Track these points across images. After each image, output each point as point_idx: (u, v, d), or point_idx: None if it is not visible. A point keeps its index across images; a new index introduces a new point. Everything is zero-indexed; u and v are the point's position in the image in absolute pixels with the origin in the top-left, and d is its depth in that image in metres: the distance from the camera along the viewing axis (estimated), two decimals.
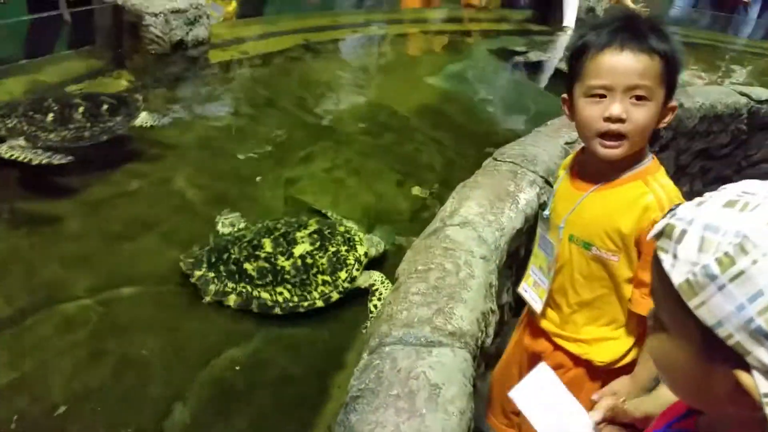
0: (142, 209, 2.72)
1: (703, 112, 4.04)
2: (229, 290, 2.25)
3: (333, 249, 2.43)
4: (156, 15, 3.49)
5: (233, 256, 2.33)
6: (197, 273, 2.27)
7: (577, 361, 1.87)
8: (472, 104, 4.57)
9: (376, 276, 2.47)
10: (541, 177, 2.65)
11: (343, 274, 2.38)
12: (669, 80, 1.49)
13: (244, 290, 2.26)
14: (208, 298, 2.24)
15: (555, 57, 5.70)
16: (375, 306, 2.35)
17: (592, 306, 1.80)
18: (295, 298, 2.28)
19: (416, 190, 3.25)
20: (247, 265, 2.31)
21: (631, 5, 7.34)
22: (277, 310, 2.25)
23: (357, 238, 2.55)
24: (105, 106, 2.93)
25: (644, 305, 1.63)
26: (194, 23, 3.74)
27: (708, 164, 4.39)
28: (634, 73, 1.47)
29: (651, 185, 1.60)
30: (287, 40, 4.80)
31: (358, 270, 2.43)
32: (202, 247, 2.41)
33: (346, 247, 2.47)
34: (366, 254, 2.51)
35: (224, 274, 2.28)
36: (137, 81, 3.64)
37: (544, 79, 5.41)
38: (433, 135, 3.90)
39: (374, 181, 3.27)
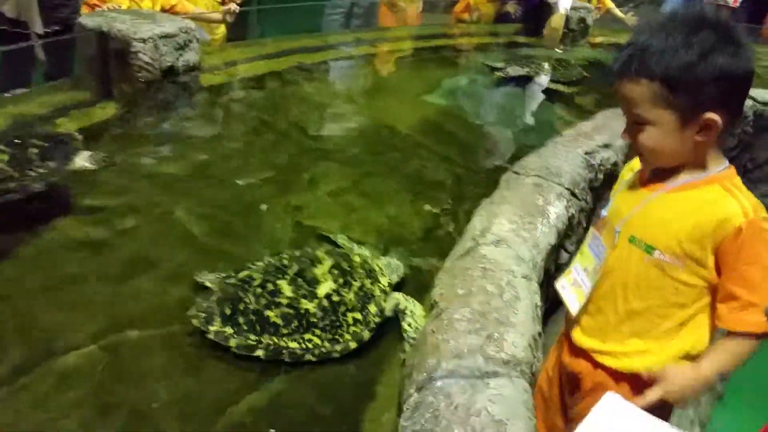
0: (144, 247, 2.53)
1: None
2: (253, 343, 2.02)
3: (358, 284, 2.24)
4: (144, 41, 3.31)
5: (251, 307, 2.10)
6: (212, 329, 2.04)
7: (619, 377, 1.74)
8: (472, 119, 4.45)
9: (398, 297, 2.30)
10: (567, 189, 2.53)
11: (372, 308, 2.19)
12: (675, 99, 1.46)
13: (271, 342, 2.03)
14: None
15: (537, 71, 5.47)
16: (409, 325, 2.17)
17: (643, 316, 1.68)
18: (327, 344, 2.06)
19: (428, 209, 3.09)
20: (269, 313, 2.08)
21: (620, 15, 7.33)
22: (310, 357, 2.03)
23: (377, 268, 2.38)
24: (34, 151, 2.62)
25: (733, 321, 1.51)
26: (184, 48, 3.57)
27: None
28: (628, 102, 1.54)
29: (732, 191, 1.51)
30: (280, 62, 4.64)
31: (385, 301, 2.25)
32: (207, 296, 2.17)
33: (369, 280, 2.28)
34: (389, 284, 2.34)
35: (245, 327, 2.05)
36: (126, 110, 3.46)
37: (531, 94, 5.23)
38: (438, 151, 3.76)
39: (384, 202, 3.11)
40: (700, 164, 1.56)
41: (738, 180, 1.57)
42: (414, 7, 6.67)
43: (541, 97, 5.13)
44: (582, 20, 6.62)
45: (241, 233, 2.72)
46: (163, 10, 4.35)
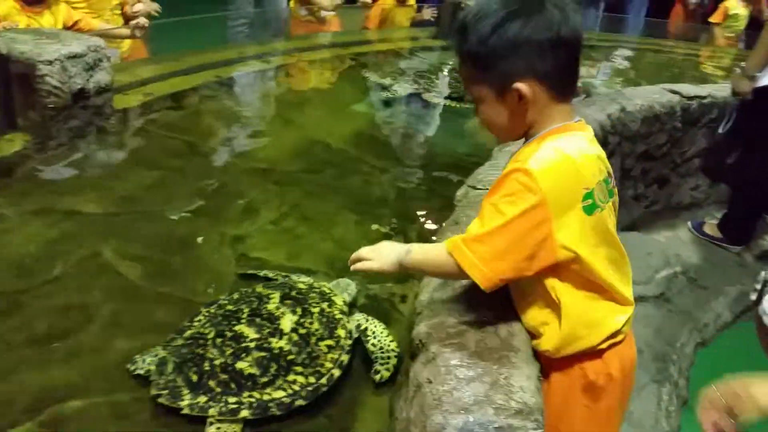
0: (72, 298, 2.25)
1: (644, 114, 3.98)
2: (234, 406, 1.78)
3: (316, 310, 2.09)
4: (51, 62, 2.98)
5: (217, 362, 1.86)
6: (184, 403, 1.77)
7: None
8: (405, 128, 4.30)
9: (358, 317, 2.18)
10: None
11: (341, 331, 2.05)
12: (483, 73, 1.48)
13: (252, 398, 1.80)
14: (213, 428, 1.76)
15: (428, 87, 5.06)
16: (374, 345, 2.07)
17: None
18: (312, 379, 1.88)
19: (375, 228, 2.93)
20: (240, 365, 1.85)
21: None
22: (300, 402, 1.83)
23: (327, 290, 2.24)
24: None
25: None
26: (94, 68, 3.25)
27: (648, 165, 4.33)
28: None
29: (535, 146, 1.47)
30: (196, 77, 4.36)
31: (348, 322, 2.12)
32: (161, 369, 1.89)
33: (326, 303, 2.14)
34: (345, 302, 2.22)
35: (218, 390, 1.80)
36: (34, 141, 3.12)
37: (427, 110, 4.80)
38: (376, 164, 3.60)
39: (329, 226, 2.92)
40: (538, 130, 1.51)
41: (564, 134, 1.47)
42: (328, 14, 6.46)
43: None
44: None
45: (179, 273, 2.47)
46: (66, 28, 4.00)
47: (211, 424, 1.75)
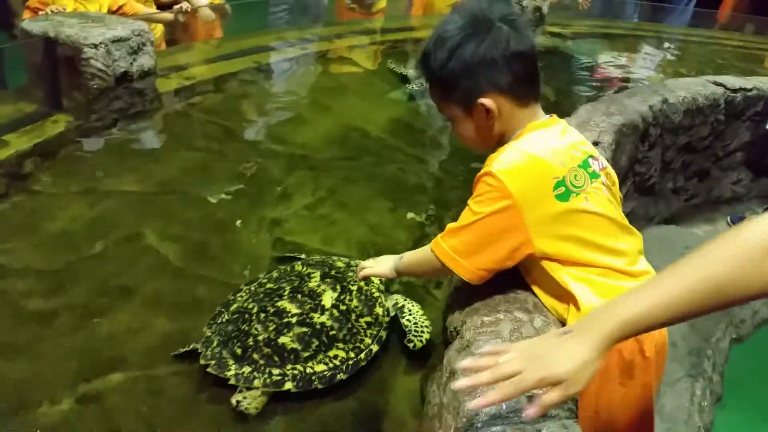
0: (113, 276, 2.31)
1: (686, 106, 3.89)
2: (278, 378, 1.84)
3: (355, 288, 2.14)
4: (96, 46, 3.04)
5: (260, 336, 1.91)
6: (230, 373, 1.84)
7: None
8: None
9: (395, 296, 2.27)
10: None
11: (379, 309, 2.11)
12: (450, 94, 1.59)
13: (296, 371, 1.86)
14: (251, 408, 1.82)
15: None
16: (409, 321, 2.14)
17: None
18: (352, 354, 1.95)
19: (411, 216, 2.94)
20: (283, 339, 1.91)
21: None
22: (341, 376, 1.90)
23: None
24: None
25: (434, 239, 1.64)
26: (138, 52, 3.30)
27: (689, 158, 4.25)
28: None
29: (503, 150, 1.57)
30: (235, 63, 4.40)
31: (386, 300, 2.18)
32: (208, 343, 1.96)
33: (363, 282, 2.19)
34: (381, 282, 2.28)
35: (261, 362, 1.86)
36: (78, 122, 3.18)
37: None
38: (413, 153, 3.60)
39: (364, 212, 2.94)
40: (509, 136, 1.62)
41: (529, 133, 1.59)
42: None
43: None
44: (537, 9, 6.52)
45: (217, 255, 2.52)
46: (111, 12, 4.07)
47: (240, 390, 1.81)
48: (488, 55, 1.51)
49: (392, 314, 2.17)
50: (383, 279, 2.31)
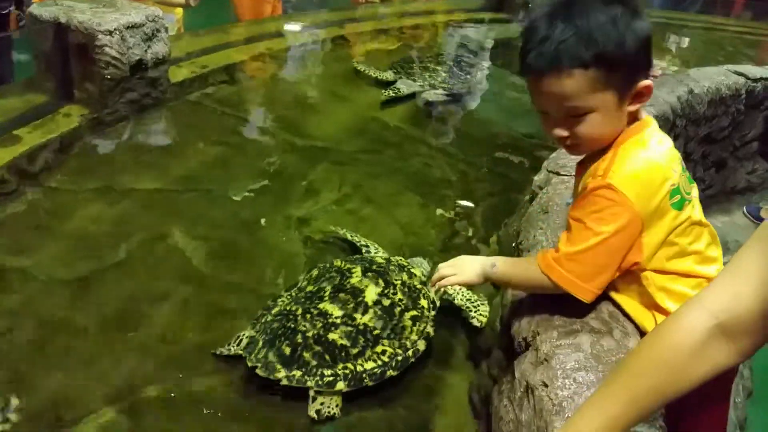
0: (141, 283, 2.21)
1: (711, 96, 3.83)
2: (330, 378, 1.78)
3: (398, 281, 2.06)
4: (110, 33, 2.89)
5: (309, 334, 1.84)
6: (280, 375, 1.77)
7: None
8: (461, 106, 4.17)
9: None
10: None
11: (424, 302, 2.04)
12: (613, 78, 1.36)
13: (347, 370, 1.81)
14: (333, 410, 1.78)
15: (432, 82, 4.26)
16: (462, 299, 2.18)
17: None
18: (400, 351, 1.89)
19: (440, 213, 2.85)
20: (332, 336, 1.84)
21: None
22: (391, 372, 1.85)
23: (405, 263, 2.23)
24: None
25: (540, 254, 1.52)
26: (152, 39, 3.15)
27: (708, 149, 4.19)
28: (560, 98, 1.39)
29: (609, 158, 1.44)
30: (246, 50, 4.26)
31: (429, 292, 2.10)
32: (247, 344, 1.90)
33: (406, 275, 2.11)
34: (423, 274, 2.22)
35: (313, 363, 1.80)
36: (91, 115, 3.04)
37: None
38: (435, 144, 3.51)
39: (392, 208, 2.86)
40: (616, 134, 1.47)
41: (632, 140, 1.44)
42: None
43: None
44: None
45: (247, 257, 2.43)
46: None
47: (314, 399, 1.77)
48: (648, 29, 1.38)
49: (438, 305, 2.09)
50: (426, 269, 2.30)
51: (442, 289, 2.10)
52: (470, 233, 2.74)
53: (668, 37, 6.69)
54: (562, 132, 1.45)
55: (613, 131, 1.45)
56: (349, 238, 2.48)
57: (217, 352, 1.92)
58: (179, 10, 4.47)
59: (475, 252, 2.61)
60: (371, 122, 3.67)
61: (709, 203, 4.42)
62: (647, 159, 1.39)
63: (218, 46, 4.10)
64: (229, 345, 1.92)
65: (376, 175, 3.11)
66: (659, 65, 5.56)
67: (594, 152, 1.50)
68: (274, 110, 3.70)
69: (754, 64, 4.52)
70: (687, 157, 3.99)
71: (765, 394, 3.03)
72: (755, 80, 4.15)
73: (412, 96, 4.07)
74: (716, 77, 3.96)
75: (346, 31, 5.17)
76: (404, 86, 4.04)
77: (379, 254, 2.33)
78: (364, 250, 2.38)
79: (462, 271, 1.71)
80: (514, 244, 2.17)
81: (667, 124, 3.29)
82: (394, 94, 3.94)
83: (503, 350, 1.78)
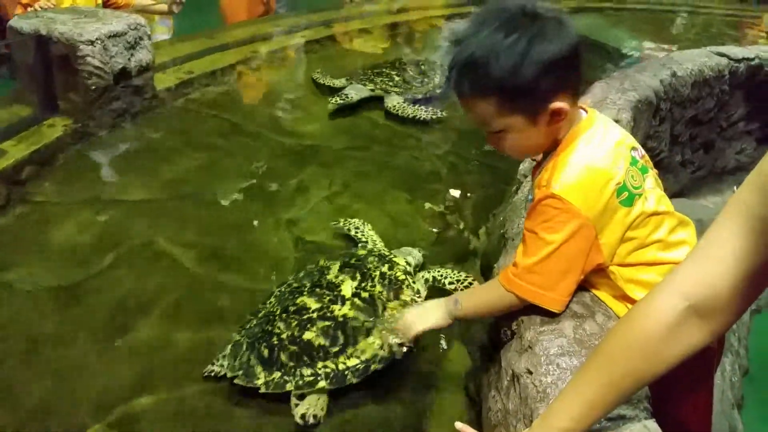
0: (130, 290, 2.21)
1: (694, 78, 3.83)
2: (310, 378, 1.77)
3: (376, 273, 2.04)
4: (92, 42, 2.89)
5: (284, 335, 1.83)
6: (259, 382, 1.77)
7: None
8: (450, 100, 4.17)
9: (423, 273, 2.21)
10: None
11: (407, 292, 2.01)
12: (517, 103, 1.41)
13: (328, 369, 1.80)
14: (317, 412, 1.76)
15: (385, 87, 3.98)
16: (452, 282, 2.17)
17: None
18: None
19: (429, 206, 2.86)
20: (308, 335, 1.82)
21: None
22: (375, 366, 1.82)
23: (386, 252, 2.22)
24: None
25: (501, 273, 1.55)
26: (135, 47, 3.16)
27: (695, 131, 4.20)
28: (475, 118, 1.49)
29: (551, 167, 1.48)
30: (232, 54, 4.25)
31: (414, 282, 2.09)
32: (231, 349, 1.90)
33: (386, 266, 2.09)
34: (408, 263, 2.19)
35: (291, 364, 1.79)
36: (76, 125, 3.04)
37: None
38: (423, 139, 3.52)
39: (382, 204, 2.86)
40: (562, 137, 1.50)
41: (570, 148, 1.47)
42: None
43: None
44: None
45: (236, 260, 2.43)
46: (103, 5, 3.90)
47: (297, 404, 1.75)
48: (560, 52, 1.37)
49: (424, 294, 2.09)
50: (411, 263, 2.25)
51: (424, 278, 2.17)
52: (461, 225, 2.75)
53: (661, 20, 6.72)
54: (492, 145, 1.54)
55: (537, 144, 1.51)
56: (352, 233, 2.49)
57: (205, 374, 1.89)
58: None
59: (465, 243, 2.63)
60: (358, 119, 3.68)
61: (699, 185, 4.45)
62: (586, 166, 1.42)
63: (204, 51, 4.11)
64: (216, 361, 1.90)
65: (364, 172, 3.11)
66: (647, 46, 5.57)
67: (542, 157, 1.57)
68: (260, 111, 3.70)
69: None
70: (675, 140, 4.00)
71: (761, 372, 3.05)
72: (737, 60, 4.15)
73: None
74: (699, 59, 3.97)
75: (333, 31, 5.17)
76: (353, 92, 3.80)
77: (377, 247, 2.33)
78: (360, 245, 2.38)
79: (426, 318, 1.71)
80: (501, 232, 2.18)
81: (651, 108, 3.30)
82: (343, 101, 3.69)
83: (491, 340, 1.79)
